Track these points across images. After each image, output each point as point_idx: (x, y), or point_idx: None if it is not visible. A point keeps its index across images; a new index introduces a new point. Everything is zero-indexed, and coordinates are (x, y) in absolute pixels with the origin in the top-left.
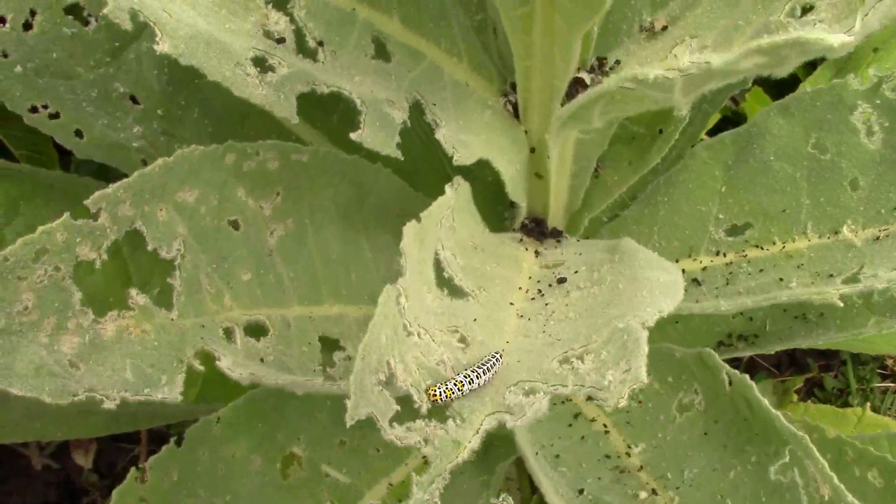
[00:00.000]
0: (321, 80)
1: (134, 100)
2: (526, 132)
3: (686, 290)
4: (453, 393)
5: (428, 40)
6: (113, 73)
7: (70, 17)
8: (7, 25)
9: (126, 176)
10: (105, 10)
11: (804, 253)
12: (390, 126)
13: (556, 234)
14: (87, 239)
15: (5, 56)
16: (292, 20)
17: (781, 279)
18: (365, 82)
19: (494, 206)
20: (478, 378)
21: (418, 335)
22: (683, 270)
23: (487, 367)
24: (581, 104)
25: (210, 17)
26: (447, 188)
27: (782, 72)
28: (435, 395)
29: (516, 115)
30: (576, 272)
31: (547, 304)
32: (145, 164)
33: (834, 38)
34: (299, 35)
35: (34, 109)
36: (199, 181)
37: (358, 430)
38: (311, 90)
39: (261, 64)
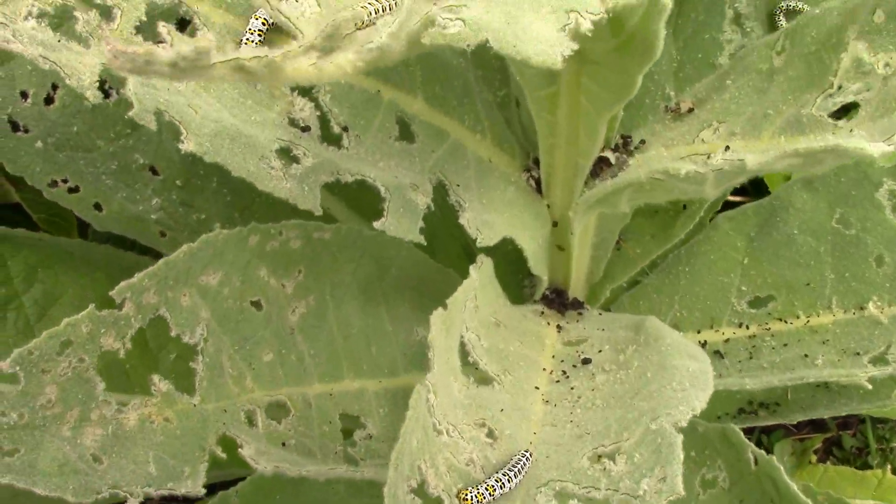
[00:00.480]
0: (345, 168)
1: (153, 171)
2: (548, 206)
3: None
4: (484, 498)
5: (451, 118)
6: (133, 144)
7: None
8: (29, 100)
9: (144, 247)
10: (130, 113)
11: (829, 328)
12: (414, 212)
13: (578, 306)
14: (111, 329)
15: (26, 131)
16: (317, 106)
17: (806, 355)
18: (389, 167)
19: (515, 275)
20: (509, 482)
21: (447, 433)
22: (705, 342)
23: (518, 470)
24: (608, 191)
25: (236, 110)
26: (471, 270)
27: (817, 171)
28: (466, 501)
29: (538, 189)
30: (600, 351)
31: (573, 388)
32: (163, 235)
33: (873, 147)
34: (324, 121)
35: (54, 184)
36: (223, 263)
37: None
38: (335, 180)
39: (285, 155)
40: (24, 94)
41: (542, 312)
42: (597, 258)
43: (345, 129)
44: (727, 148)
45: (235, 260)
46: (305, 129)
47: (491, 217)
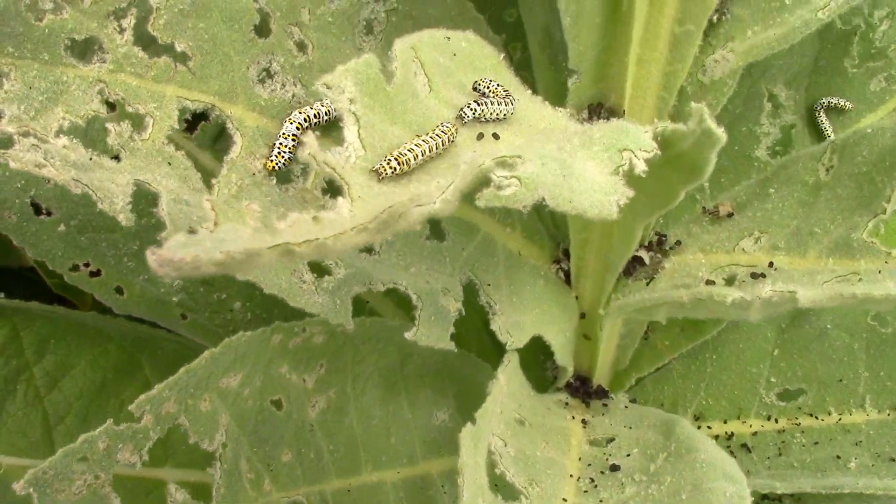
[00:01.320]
0: (377, 277)
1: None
2: (577, 297)
3: (735, 456)
4: None
5: (482, 212)
6: (155, 222)
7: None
8: (52, 182)
9: (161, 328)
10: (163, 235)
11: (862, 428)
12: (445, 319)
13: (602, 394)
14: (129, 443)
15: (49, 214)
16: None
17: (839, 456)
18: (420, 271)
19: (537, 357)
20: None
21: None
22: (732, 434)
23: None
24: (647, 305)
25: (268, 220)
26: (500, 374)
27: (872, 308)
28: None
29: (568, 281)
30: (628, 455)
31: (601, 502)
32: (185, 318)
33: None
34: None
35: (75, 268)
36: (245, 365)
37: None
38: (367, 289)
39: (317, 268)
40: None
41: (567, 403)
42: (624, 347)
43: None
44: (771, 264)
45: (257, 360)
46: None
47: (521, 318)
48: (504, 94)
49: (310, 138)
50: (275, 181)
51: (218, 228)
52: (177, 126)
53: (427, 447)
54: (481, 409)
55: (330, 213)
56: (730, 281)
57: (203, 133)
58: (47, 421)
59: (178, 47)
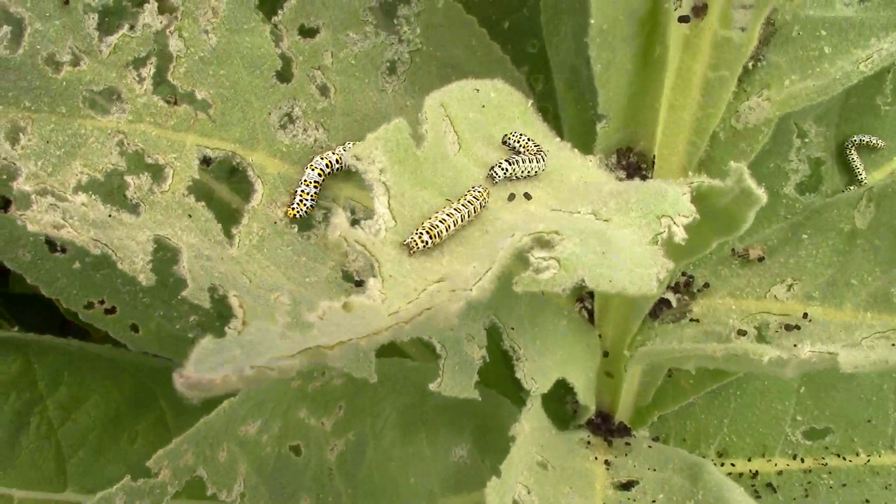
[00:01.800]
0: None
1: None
2: (600, 336)
3: (760, 496)
4: None
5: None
6: (170, 257)
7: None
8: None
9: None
10: (184, 293)
11: (892, 471)
12: (469, 368)
13: (625, 432)
14: (146, 499)
15: (63, 251)
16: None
17: (868, 501)
18: None
19: (557, 390)
20: None
21: None
22: (757, 472)
23: None
24: (676, 356)
25: (291, 270)
26: (523, 420)
27: None
28: None
29: (591, 319)
30: (653, 501)
31: None
32: None
33: None
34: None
35: (90, 305)
36: (263, 411)
37: None
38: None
39: None
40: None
41: (589, 442)
42: (647, 385)
43: None
44: (805, 315)
45: (276, 406)
46: (360, 283)
47: (545, 361)
48: (535, 149)
49: (340, 218)
50: (296, 229)
51: (246, 329)
52: (197, 176)
53: (445, 485)
54: (506, 461)
55: (361, 298)
56: (762, 330)
57: (219, 166)
58: (61, 454)
59: (199, 95)
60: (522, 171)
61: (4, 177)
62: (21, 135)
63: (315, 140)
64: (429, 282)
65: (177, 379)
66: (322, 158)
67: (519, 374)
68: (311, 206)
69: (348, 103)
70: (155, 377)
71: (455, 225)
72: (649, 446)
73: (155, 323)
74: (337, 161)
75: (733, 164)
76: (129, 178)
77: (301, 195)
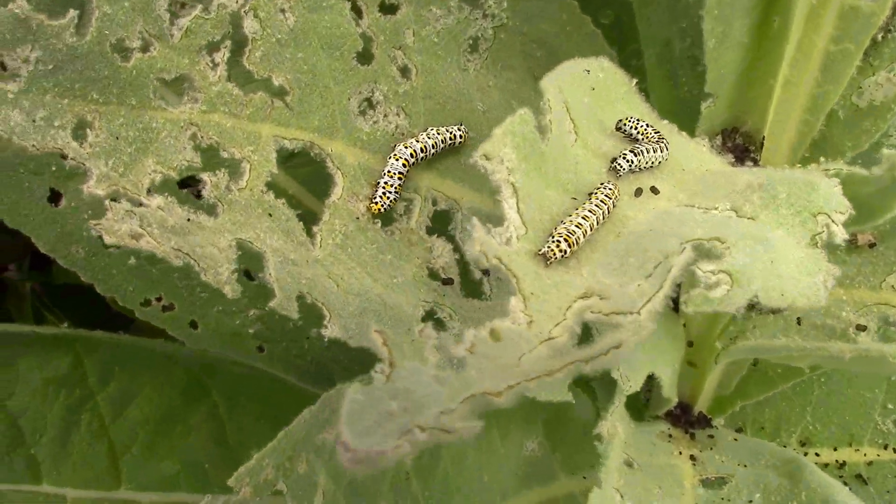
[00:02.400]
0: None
1: (248, 275)
2: (685, 325)
3: (849, 488)
4: None
5: None
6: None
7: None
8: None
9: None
10: (272, 304)
11: None
12: None
13: (705, 422)
14: None
15: (118, 246)
16: (455, 247)
17: None
18: None
19: None
20: None
21: None
22: (844, 462)
23: None
24: (787, 354)
25: (377, 271)
26: (615, 423)
27: None
28: None
29: (676, 307)
30: (750, 501)
31: None
32: (261, 350)
33: None
34: (463, 265)
35: (147, 303)
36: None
37: None
38: None
39: (430, 316)
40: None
41: (670, 435)
42: (730, 374)
43: (485, 272)
44: None
45: None
46: (448, 281)
47: (636, 356)
48: (656, 136)
49: (479, 233)
50: (379, 224)
51: (395, 373)
52: (275, 170)
53: (518, 481)
54: (604, 469)
55: (506, 324)
56: (885, 325)
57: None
58: (113, 451)
59: (276, 81)
60: (647, 162)
61: (54, 168)
62: (88, 130)
63: (396, 127)
64: (572, 297)
65: (342, 453)
66: (406, 147)
67: (615, 375)
68: (394, 199)
69: (430, 85)
70: (207, 369)
71: (591, 229)
72: (735, 439)
73: (214, 318)
74: (422, 150)
75: (886, 152)
76: (205, 177)
77: (384, 188)
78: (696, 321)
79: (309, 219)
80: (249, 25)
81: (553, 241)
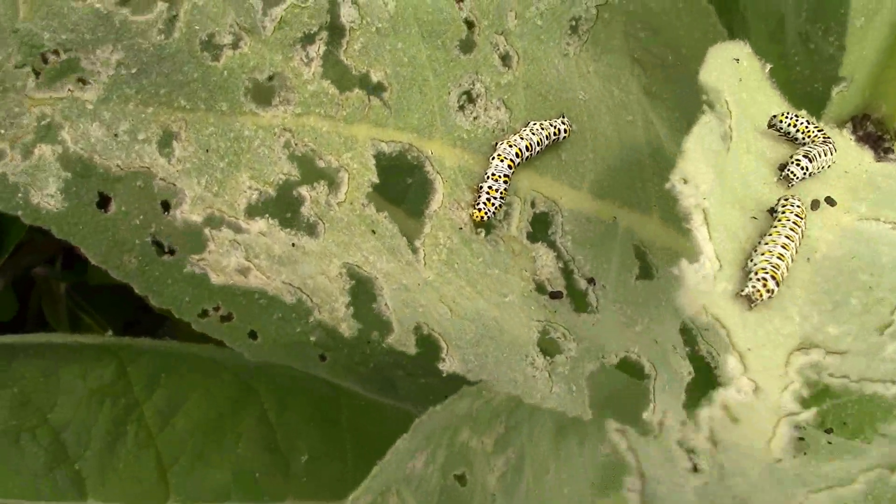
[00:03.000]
0: (609, 347)
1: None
2: None
3: None
4: None
5: (683, 235)
6: None
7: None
8: (171, 212)
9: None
10: (390, 339)
11: None
12: (679, 385)
13: None
14: None
15: (172, 253)
16: (559, 255)
17: None
18: (645, 327)
19: None
20: None
21: None
22: None
23: None
24: None
25: (487, 289)
26: None
27: None
28: None
29: None
30: None
31: None
32: (323, 359)
33: None
34: (568, 275)
35: (204, 314)
36: (430, 442)
37: None
38: (600, 364)
39: (544, 339)
40: (165, 205)
41: None
42: None
43: (590, 280)
44: None
45: (442, 433)
46: (556, 295)
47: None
48: (821, 135)
49: (692, 278)
50: (483, 234)
51: (647, 487)
52: (376, 180)
53: (595, 489)
54: None
55: (738, 397)
56: None
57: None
58: (161, 463)
59: (374, 76)
60: (819, 167)
61: (101, 170)
62: (174, 143)
63: (497, 122)
64: (788, 350)
65: None
66: (510, 146)
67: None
68: (499, 205)
69: (531, 73)
70: (256, 373)
71: (791, 260)
72: (829, 442)
73: (274, 327)
74: (527, 148)
75: None
76: (303, 191)
77: (489, 192)
78: None
79: (399, 222)
80: (347, 13)
81: (757, 279)
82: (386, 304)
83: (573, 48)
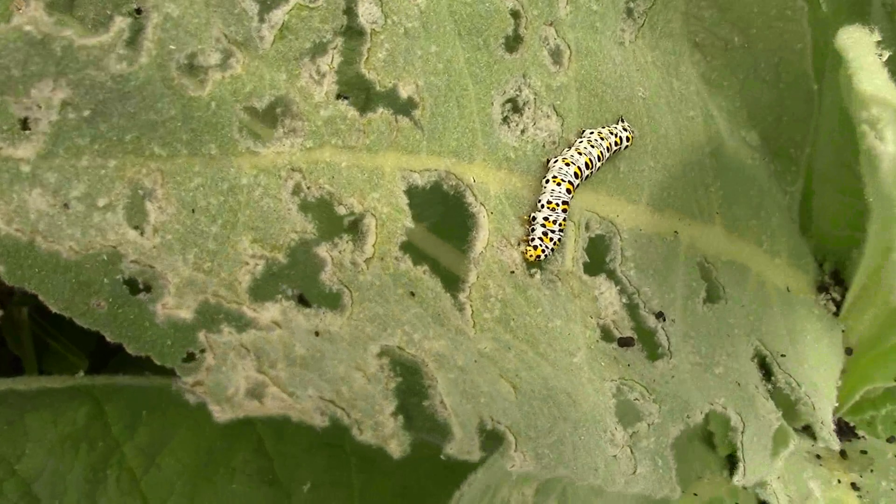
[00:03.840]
0: (690, 400)
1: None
2: (843, 331)
3: None
4: None
5: (748, 241)
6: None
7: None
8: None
9: None
10: (450, 449)
11: None
12: (766, 435)
13: (849, 431)
14: None
15: (148, 290)
16: (622, 289)
17: None
18: (726, 367)
19: None
20: None
21: None
22: None
23: None
24: None
25: (551, 349)
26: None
27: None
28: None
29: (837, 311)
30: None
31: None
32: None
33: None
34: (633, 310)
35: (190, 357)
36: (485, 496)
37: None
38: (685, 426)
39: (620, 399)
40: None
41: (818, 455)
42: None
43: (658, 315)
44: None
45: (481, 497)
46: (627, 342)
47: (800, 371)
48: None
49: None
50: (538, 274)
51: None
52: (410, 224)
53: None
54: None
55: None
56: None
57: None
58: None
59: (403, 91)
60: None
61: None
62: (148, 205)
63: (548, 134)
64: None
65: None
66: (567, 164)
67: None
68: (559, 239)
69: (585, 70)
70: None
71: None
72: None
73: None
74: (587, 165)
75: None
76: (322, 251)
77: (545, 225)
78: (860, 328)
79: (439, 273)
80: (367, 13)
81: None
82: (441, 402)
83: (628, 35)
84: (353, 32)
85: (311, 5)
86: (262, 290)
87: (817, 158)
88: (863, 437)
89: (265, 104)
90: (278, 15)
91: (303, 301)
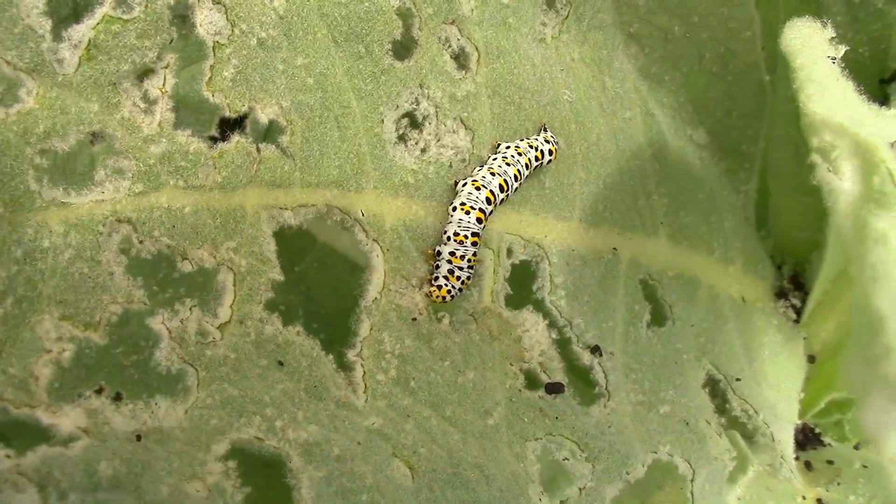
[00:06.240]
0: (630, 453)
1: None
2: (805, 338)
3: None
4: None
5: (698, 250)
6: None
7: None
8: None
9: None
10: None
11: None
12: (720, 478)
13: (813, 438)
14: None
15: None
16: (550, 321)
17: None
18: (676, 402)
19: None
20: None
21: None
22: None
23: None
24: None
25: (462, 411)
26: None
27: None
28: None
29: (798, 318)
30: None
31: None
32: None
33: None
34: (564, 347)
35: None
36: None
37: None
38: (624, 486)
39: (546, 460)
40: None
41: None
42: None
43: (594, 350)
44: None
45: None
46: (556, 388)
47: (758, 397)
48: None
49: None
50: (447, 319)
51: None
52: (280, 276)
53: None
54: None
55: None
56: None
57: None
58: None
59: (263, 114)
60: None
61: None
62: None
63: (454, 151)
64: None
65: None
66: (479, 188)
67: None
68: (468, 277)
69: (498, 74)
70: None
71: None
72: (864, 466)
73: None
74: (502, 187)
75: None
76: (156, 324)
77: (451, 261)
78: (822, 335)
79: (320, 329)
80: (207, 21)
81: None
82: None
83: (550, 29)
84: (190, 47)
85: (124, 17)
86: (68, 384)
87: (772, 154)
88: (829, 444)
89: (72, 143)
90: (81, 31)
91: (120, 397)
